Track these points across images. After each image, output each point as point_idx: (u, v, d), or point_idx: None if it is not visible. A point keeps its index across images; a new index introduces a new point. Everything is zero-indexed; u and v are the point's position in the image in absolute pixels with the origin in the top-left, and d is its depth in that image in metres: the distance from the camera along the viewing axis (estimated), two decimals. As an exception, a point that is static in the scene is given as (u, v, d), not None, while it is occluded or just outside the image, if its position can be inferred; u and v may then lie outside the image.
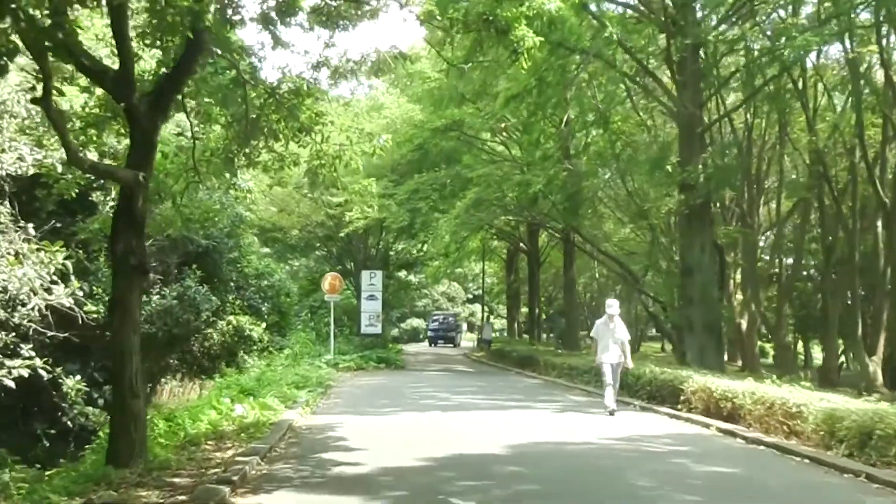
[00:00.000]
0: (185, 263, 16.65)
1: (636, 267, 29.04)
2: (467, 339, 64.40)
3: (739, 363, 33.29)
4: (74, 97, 10.61)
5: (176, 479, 7.27)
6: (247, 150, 11.66)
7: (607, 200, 31.28)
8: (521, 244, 39.75)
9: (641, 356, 30.24)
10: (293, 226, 32.28)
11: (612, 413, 12.88)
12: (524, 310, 52.75)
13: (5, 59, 6.65)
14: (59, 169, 10.41)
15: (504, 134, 28.35)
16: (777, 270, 31.05)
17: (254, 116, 11.13)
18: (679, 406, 13.83)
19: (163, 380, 20.95)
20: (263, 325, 25.32)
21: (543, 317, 57.37)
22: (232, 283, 19.13)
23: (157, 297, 15.52)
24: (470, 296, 73.04)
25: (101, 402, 14.17)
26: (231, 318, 23.00)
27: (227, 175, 12.63)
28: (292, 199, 30.91)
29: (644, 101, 22.80)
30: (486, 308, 51.88)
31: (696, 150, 18.97)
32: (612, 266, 29.76)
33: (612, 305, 13.74)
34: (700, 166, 18.43)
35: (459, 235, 34.25)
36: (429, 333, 56.08)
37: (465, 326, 69.96)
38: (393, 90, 32.15)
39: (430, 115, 26.86)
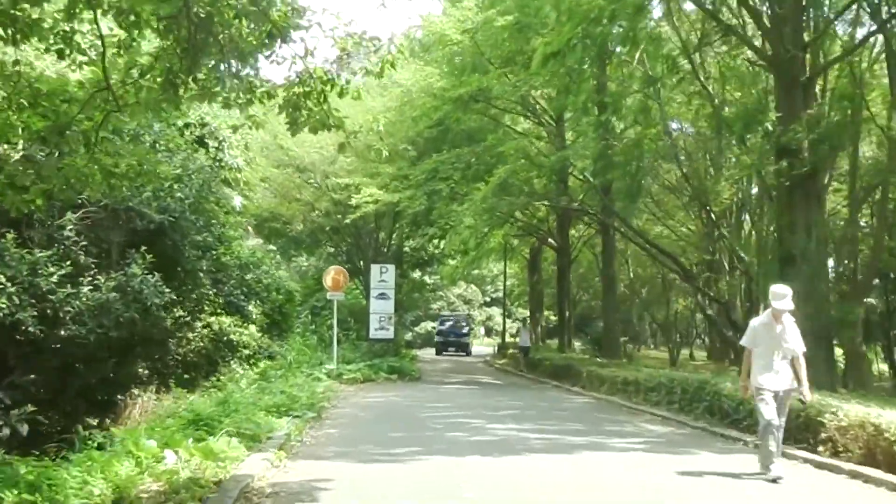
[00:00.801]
0: (132, 245, 12.38)
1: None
2: (485, 345, 60.01)
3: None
4: None
5: None
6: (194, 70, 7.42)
7: (655, 186, 26.95)
8: (550, 239, 35.35)
9: (689, 368, 25.76)
10: (294, 215, 28.04)
11: (775, 480, 7.68)
12: (546, 313, 48.45)
13: None
14: None
15: (539, 102, 24.02)
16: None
17: (202, 14, 6.87)
18: (820, 448, 9.46)
19: (134, 392, 16.81)
20: (253, 327, 21.20)
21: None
22: (202, 274, 14.88)
23: (90, 288, 11.26)
24: (487, 298, 68.70)
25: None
26: (212, 319, 18.84)
27: (170, 108, 8.36)
28: (292, 183, 26.70)
29: (723, 50, 18.34)
30: (506, 310, 47.27)
31: (799, 104, 14.59)
32: (665, 262, 25.34)
33: (783, 296, 8.06)
34: (805, 125, 14.07)
35: (481, 226, 30.04)
36: (436, 338, 46.41)
37: (482, 330, 65.62)
38: (410, 58, 27.80)
39: (452, 82, 22.55)
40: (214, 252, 15.70)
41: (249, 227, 27.37)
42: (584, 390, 19.48)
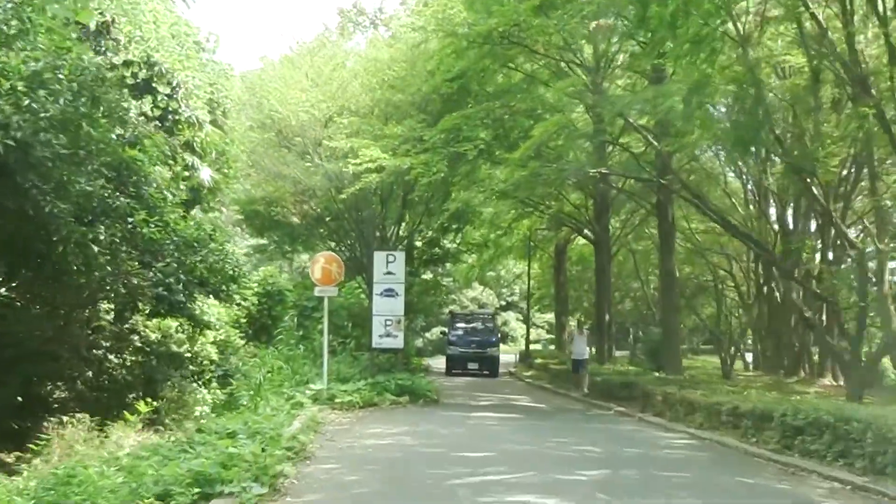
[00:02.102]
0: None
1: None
2: (501, 352, 54.31)
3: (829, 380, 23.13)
4: None
5: None
6: None
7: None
8: (587, 230, 29.69)
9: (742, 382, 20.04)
10: (282, 196, 22.47)
11: None
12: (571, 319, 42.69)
13: None
14: None
15: (603, 36, 18.39)
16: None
17: None
18: None
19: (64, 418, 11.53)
20: (212, 334, 15.74)
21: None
22: (117, 254, 9.38)
23: None
24: (503, 302, 63.01)
25: None
26: (153, 322, 13.37)
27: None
28: (275, 150, 21.17)
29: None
30: (529, 314, 41.38)
31: None
32: (748, 244, 19.67)
33: None
34: None
35: (511, 206, 24.61)
36: (448, 349, 30.66)
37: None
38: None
39: (479, 13, 16.97)
40: (131, 220, 10.14)
41: (224, 209, 21.83)
42: (666, 421, 13.84)
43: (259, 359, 16.32)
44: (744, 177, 24.43)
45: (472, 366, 28.87)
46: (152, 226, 10.32)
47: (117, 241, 9.49)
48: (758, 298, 30.65)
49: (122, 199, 9.97)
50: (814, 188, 17.06)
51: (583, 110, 21.15)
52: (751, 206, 25.51)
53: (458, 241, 32.66)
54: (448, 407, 16.04)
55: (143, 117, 15.36)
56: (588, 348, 20.46)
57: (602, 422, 14.34)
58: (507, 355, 48.35)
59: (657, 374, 20.12)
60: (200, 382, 13.36)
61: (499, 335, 34.68)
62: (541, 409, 16.42)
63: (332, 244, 30.92)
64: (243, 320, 24.55)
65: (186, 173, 19.05)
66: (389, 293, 17.11)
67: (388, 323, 17.05)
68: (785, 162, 17.82)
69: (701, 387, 16.09)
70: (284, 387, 15.81)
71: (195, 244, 11.34)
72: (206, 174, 19.63)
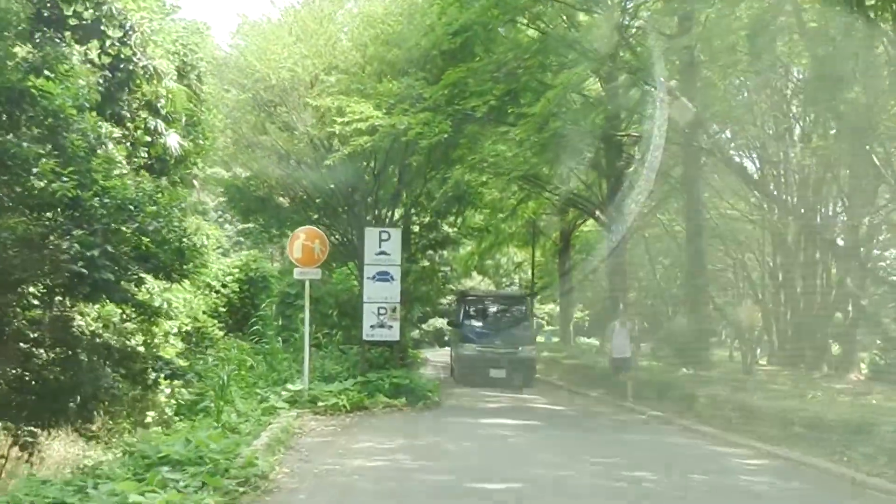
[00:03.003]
0: None
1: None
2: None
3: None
4: None
5: None
6: None
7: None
8: (598, 212, 27.06)
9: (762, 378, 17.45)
10: (262, 170, 19.79)
11: None
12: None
13: None
14: None
15: None
16: None
17: None
18: None
19: None
20: (179, 324, 13.19)
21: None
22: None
23: None
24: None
25: None
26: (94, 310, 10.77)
27: None
28: (252, 112, 18.49)
29: None
30: (535, 300, 38.54)
31: None
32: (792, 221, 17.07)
33: None
34: None
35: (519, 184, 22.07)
36: (460, 348, 20.13)
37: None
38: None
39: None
40: (36, 171, 7.46)
41: (196, 182, 19.15)
42: (718, 430, 11.21)
43: (226, 354, 13.69)
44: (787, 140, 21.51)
45: (497, 373, 18.46)
46: (66, 180, 7.64)
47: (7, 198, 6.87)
48: (776, 288, 28.58)
49: (23, 143, 7.32)
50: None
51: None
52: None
53: (458, 225, 30.00)
54: (452, 411, 13.42)
55: (88, 64, 12.72)
56: (632, 344, 16.63)
57: (641, 431, 11.72)
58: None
59: (684, 370, 17.61)
60: (151, 381, 10.69)
61: (534, 327, 26.29)
62: (562, 412, 13.81)
63: (323, 227, 28.25)
64: (223, 309, 21.96)
65: (148, 138, 16.40)
66: (383, 277, 14.46)
67: (382, 311, 14.40)
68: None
69: (728, 385, 13.59)
70: (259, 386, 13.22)
71: (131, 207, 8.65)
72: (173, 140, 16.89)
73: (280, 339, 15.72)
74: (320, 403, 12.52)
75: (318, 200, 26.19)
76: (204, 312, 19.87)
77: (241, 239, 33.35)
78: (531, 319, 24.06)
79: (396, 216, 23.05)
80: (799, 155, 20.21)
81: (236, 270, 23.75)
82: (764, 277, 27.67)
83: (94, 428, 10.60)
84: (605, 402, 15.54)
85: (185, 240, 9.83)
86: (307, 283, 13.32)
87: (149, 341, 11.95)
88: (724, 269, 33.07)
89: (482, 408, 14.02)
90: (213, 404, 10.92)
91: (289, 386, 12.63)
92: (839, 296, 21.89)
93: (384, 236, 14.49)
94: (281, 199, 23.32)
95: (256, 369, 14.28)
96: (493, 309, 22.70)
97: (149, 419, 11.79)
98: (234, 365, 12.60)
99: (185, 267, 10.22)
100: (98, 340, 9.82)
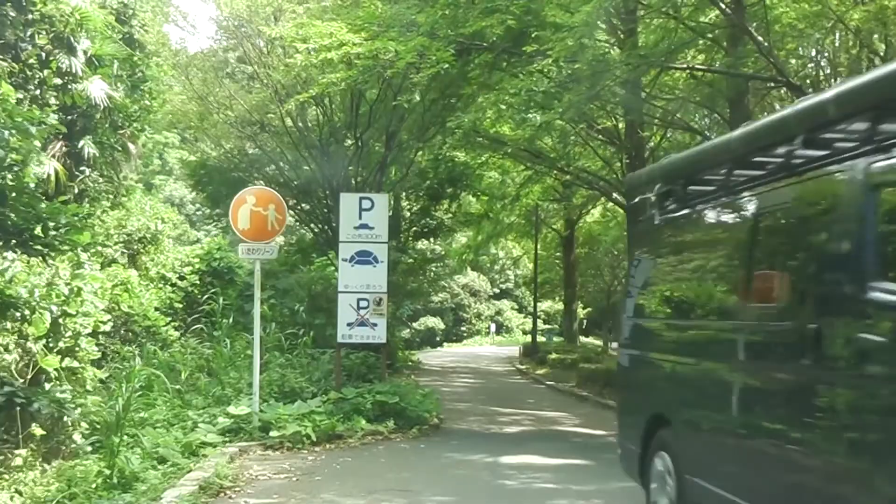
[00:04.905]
0: None
1: None
2: (497, 343, 48.07)
3: None
4: None
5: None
6: None
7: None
8: (616, 194, 23.32)
9: None
10: (216, 123, 15.96)
11: None
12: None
13: None
14: None
15: None
16: None
17: None
18: None
19: None
20: (94, 321, 9.46)
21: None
22: None
23: None
24: (496, 290, 56.75)
25: None
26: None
27: None
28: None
29: None
30: (536, 300, 34.63)
31: None
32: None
33: None
34: None
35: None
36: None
37: (493, 327, 53.78)
38: None
39: None
40: None
41: (132, 146, 15.28)
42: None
43: (128, 364, 9.83)
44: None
45: None
46: None
47: None
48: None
49: None
50: None
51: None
52: None
53: (454, 211, 26.28)
54: (460, 439, 9.62)
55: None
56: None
57: None
58: (505, 348, 42.13)
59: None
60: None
61: None
62: (608, 442, 10.03)
63: (303, 213, 24.48)
64: (179, 304, 18.12)
65: (58, 81, 12.56)
66: (364, 258, 10.65)
67: (363, 305, 10.59)
68: None
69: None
70: (194, 408, 9.42)
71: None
72: (96, 89, 13.08)
73: (227, 341, 11.85)
74: (274, 433, 8.72)
75: (295, 183, 22.46)
76: (156, 309, 16.12)
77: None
78: None
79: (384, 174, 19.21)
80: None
81: (196, 260, 19.95)
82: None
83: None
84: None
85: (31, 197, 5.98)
86: (258, 267, 9.50)
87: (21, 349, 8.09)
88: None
89: (499, 433, 10.23)
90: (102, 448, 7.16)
91: (230, 409, 8.81)
92: None
93: (365, 204, 10.66)
94: (258, 182, 19.54)
95: (196, 383, 10.47)
96: None
97: (18, 460, 7.97)
98: (142, 382, 8.73)
99: (49, 236, 6.40)
100: None
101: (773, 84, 11.79)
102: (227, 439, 8.46)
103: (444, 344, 47.91)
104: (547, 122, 10.54)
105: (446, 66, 9.84)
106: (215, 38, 14.69)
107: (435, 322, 50.08)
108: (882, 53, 13.07)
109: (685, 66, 12.39)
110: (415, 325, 47.21)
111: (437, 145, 15.32)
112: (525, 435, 10.08)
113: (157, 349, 11.08)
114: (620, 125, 21.62)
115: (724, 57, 15.63)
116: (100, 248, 18.46)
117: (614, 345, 42.68)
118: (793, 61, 11.74)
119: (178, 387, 10.37)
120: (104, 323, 11.60)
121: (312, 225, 23.41)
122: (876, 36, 13.27)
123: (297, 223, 28.28)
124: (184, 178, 32.68)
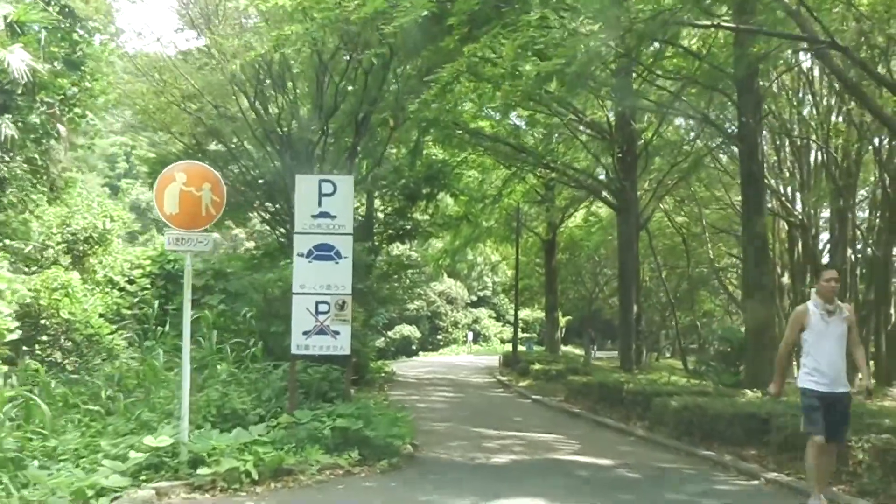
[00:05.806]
0: None
1: None
2: (475, 353, 46.26)
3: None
4: None
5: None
6: None
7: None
8: (606, 193, 21.66)
9: None
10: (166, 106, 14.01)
11: None
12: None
13: None
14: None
15: None
16: None
17: None
18: None
19: None
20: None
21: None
22: None
23: None
24: (474, 297, 55.07)
25: None
26: None
27: None
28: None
29: None
30: (517, 307, 32.82)
31: None
32: None
33: None
34: None
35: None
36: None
37: (470, 335, 51.98)
38: None
39: None
40: None
41: (63, 128, 13.30)
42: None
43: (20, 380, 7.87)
44: None
45: None
46: None
47: None
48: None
49: None
50: None
51: None
52: None
53: (430, 213, 24.56)
54: (439, 475, 7.76)
55: None
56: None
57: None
58: (483, 357, 40.34)
59: (753, 392, 12.28)
60: None
61: None
62: (615, 473, 8.19)
63: (269, 215, 22.68)
64: (127, 310, 16.23)
65: (-37, 44, 10.61)
66: (324, 254, 8.81)
67: (323, 309, 8.74)
68: None
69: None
70: (107, 437, 7.48)
71: None
72: (16, 60, 11.12)
73: (160, 352, 9.88)
74: (204, 470, 6.81)
75: (261, 181, 20.73)
76: (101, 315, 14.30)
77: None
78: None
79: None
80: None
81: (148, 262, 18.04)
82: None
83: None
84: (663, 446, 10.05)
85: None
86: (189, 261, 7.59)
87: None
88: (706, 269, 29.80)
89: (486, 465, 8.38)
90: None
91: (147, 440, 6.88)
92: None
93: (326, 188, 8.80)
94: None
95: (115, 404, 8.53)
96: None
97: None
98: (19, 408, 6.79)
99: None
100: None
101: (811, 48, 10.12)
102: (141, 479, 6.55)
103: (420, 353, 46.03)
104: (547, 73, 8.81)
105: (426, 13, 8.03)
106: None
107: (410, 330, 48.26)
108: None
109: (709, 24, 10.68)
110: (390, 333, 45.32)
111: (411, 126, 13.47)
112: (518, 467, 8.24)
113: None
114: (611, 116, 20.09)
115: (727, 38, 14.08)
116: (34, 246, 16.44)
117: (599, 354, 41.08)
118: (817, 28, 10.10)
119: (97, 408, 8.51)
120: (10, 331, 9.70)
121: (279, 228, 21.64)
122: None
123: (264, 225, 26.37)
124: (143, 177, 30.61)
